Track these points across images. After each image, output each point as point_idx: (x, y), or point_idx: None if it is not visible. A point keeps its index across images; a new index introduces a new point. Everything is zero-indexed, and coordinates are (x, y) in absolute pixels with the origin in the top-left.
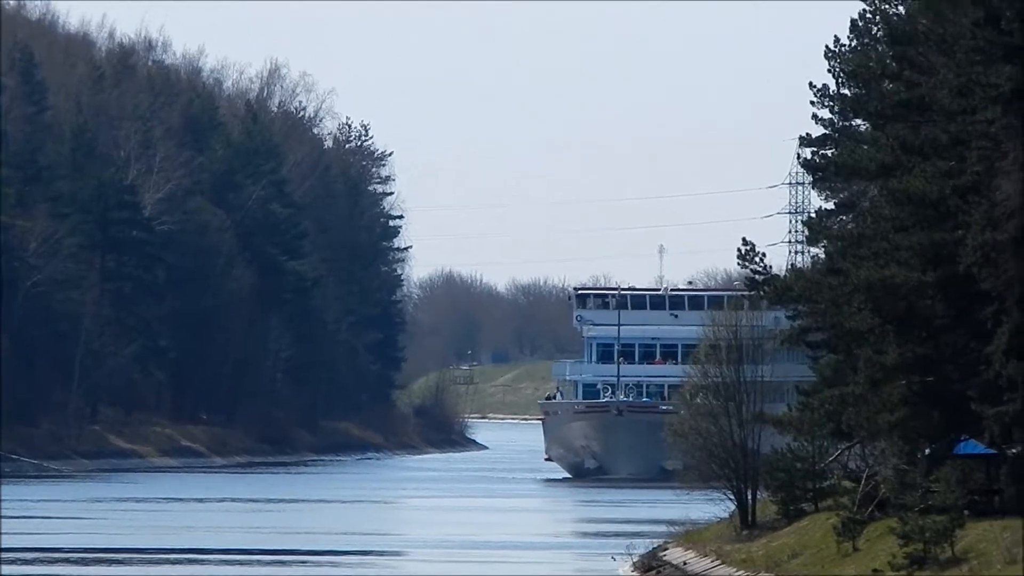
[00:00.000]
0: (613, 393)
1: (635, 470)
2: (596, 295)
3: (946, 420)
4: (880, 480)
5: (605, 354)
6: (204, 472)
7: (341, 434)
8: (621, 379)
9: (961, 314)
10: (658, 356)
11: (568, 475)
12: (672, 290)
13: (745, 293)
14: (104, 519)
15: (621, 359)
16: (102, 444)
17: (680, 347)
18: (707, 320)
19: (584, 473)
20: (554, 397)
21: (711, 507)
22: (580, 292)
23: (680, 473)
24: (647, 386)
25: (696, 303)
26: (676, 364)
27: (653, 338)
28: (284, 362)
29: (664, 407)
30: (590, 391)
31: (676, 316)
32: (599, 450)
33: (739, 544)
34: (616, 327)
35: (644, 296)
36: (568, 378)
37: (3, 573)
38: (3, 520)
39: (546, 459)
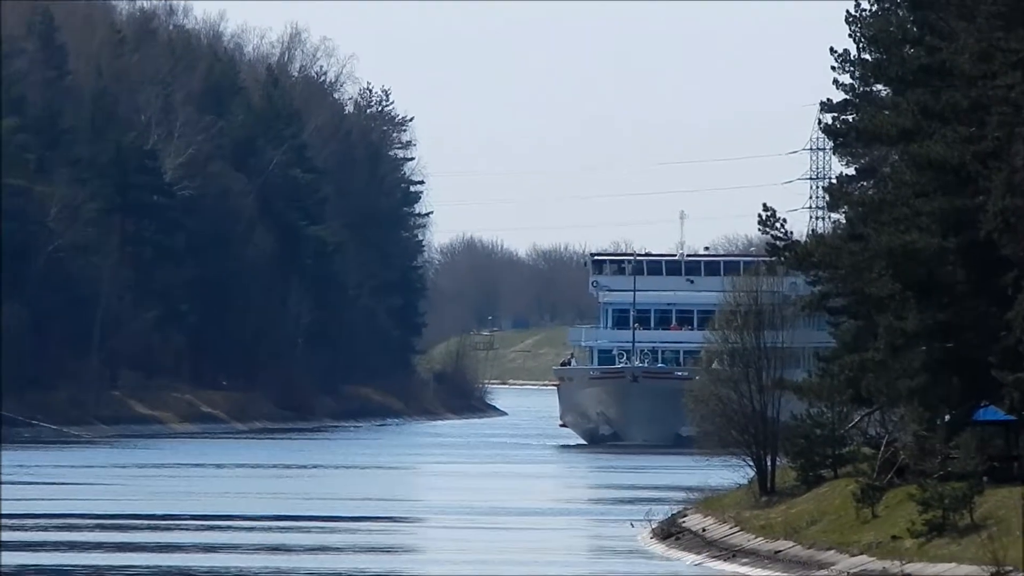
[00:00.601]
0: (628, 359)
1: (650, 437)
2: (612, 261)
3: (966, 386)
4: (899, 447)
5: (621, 320)
6: (224, 438)
7: (361, 400)
8: (636, 345)
9: (981, 280)
10: (674, 322)
11: (583, 441)
12: (688, 256)
13: (762, 258)
14: (123, 485)
15: (637, 325)
16: (122, 410)
17: (696, 313)
18: (725, 286)
19: (599, 440)
20: (569, 363)
21: (729, 473)
22: (596, 258)
23: (698, 439)
24: (663, 352)
25: (712, 269)
26: (692, 330)
27: (669, 304)
28: (304, 327)
29: (680, 373)
30: (605, 357)
31: (692, 282)
32: (614, 416)
33: (758, 511)
34: (632, 293)
35: (660, 262)
36: (584, 344)
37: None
38: (23, 486)
39: (560, 425)
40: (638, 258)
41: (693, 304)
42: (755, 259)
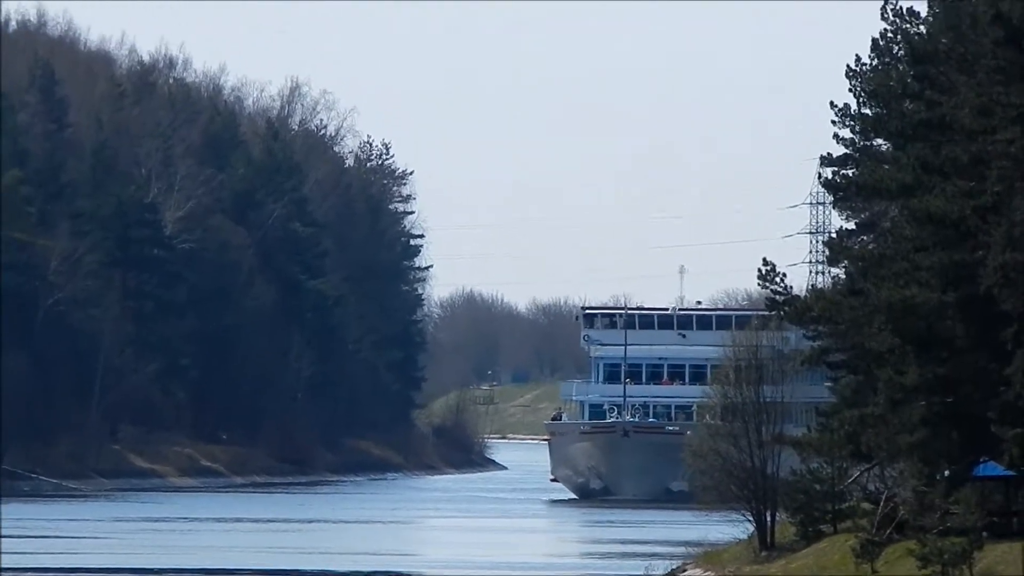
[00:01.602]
0: (619, 414)
1: (641, 491)
2: (604, 315)
3: (965, 442)
4: (899, 502)
5: (612, 374)
6: (224, 492)
7: (361, 453)
8: (628, 399)
9: (981, 335)
10: (665, 376)
11: (574, 496)
12: (680, 310)
13: (755, 312)
14: (119, 539)
15: (628, 379)
16: (122, 463)
17: (688, 368)
18: (717, 340)
19: (590, 494)
20: (559, 417)
21: (726, 528)
22: (588, 312)
23: (698, 493)
24: (654, 407)
25: (704, 323)
26: (684, 385)
27: (660, 358)
28: (304, 381)
29: (671, 428)
30: (596, 411)
31: (684, 336)
32: (605, 471)
33: (757, 565)
34: (623, 347)
35: (652, 316)
36: (575, 398)
37: None
38: (21, 540)
39: (552, 480)
40: (629, 312)
41: (685, 359)
42: (748, 313)
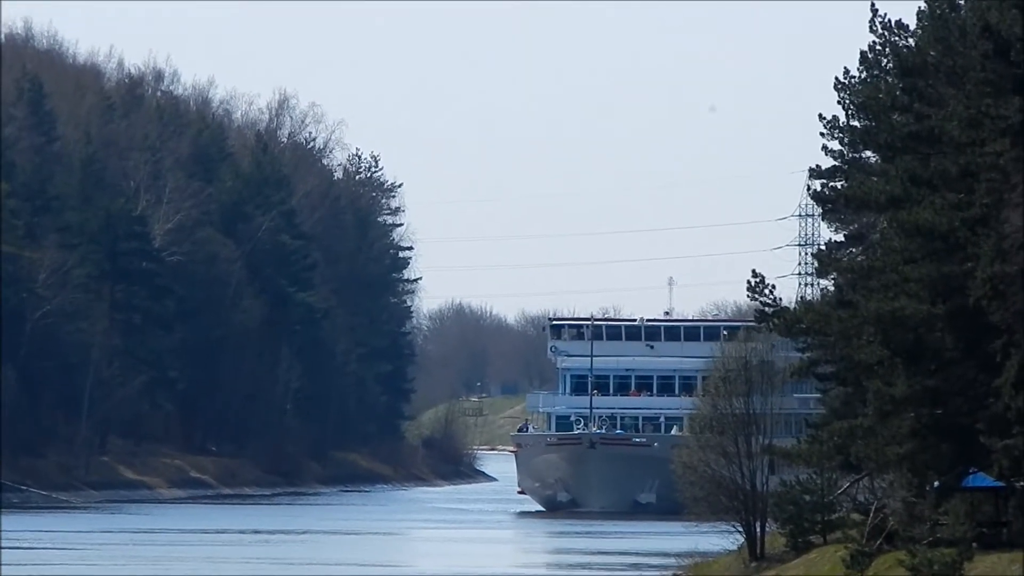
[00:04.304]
0: (586, 425)
1: (608, 503)
2: (571, 326)
3: (955, 453)
4: (889, 512)
5: (579, 385)
6: (212, 503)
7: (350, 466)
8: (594, 411)
9: (970, 346)
10: (633, 387)
11: (541, 508)
12: (648, 321)
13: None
14: (109, 551)
15: (595, 391)
16: (111, 475)
17: (656, 379)
18: (685, 352)
19: (557, 506)
20: (525, 429)
21: (697, 539)
22: (554, 322)
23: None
24: (621, 418)
25: (672, 334)
26: (652, 396)
27: (628, 369)
28: (293, 393)
29: (638, 439)
30: (563, 423)
31: (652, 347)
32: (571, 483)
33: None
34: (590, 358)
35: (619, 327)
36: (541, 410)
37: None
38: (9, 552)
39: (519, 492)
40: (596, 323)
41: (652, 370)
42: (717, 324)
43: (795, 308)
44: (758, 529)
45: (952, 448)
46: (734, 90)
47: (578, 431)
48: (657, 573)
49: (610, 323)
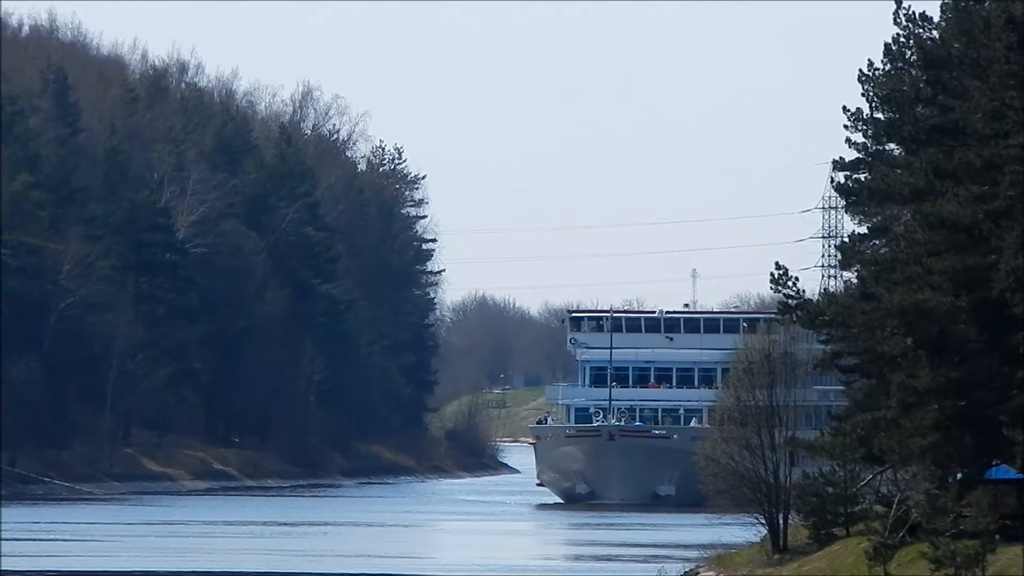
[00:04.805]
0: (605, 417)
1: (627, 496)
2: (590, 318)
3: (978, 445)
4: (912, 505)
5: (599, 378)
6: (236, 495)
7: (373, 458)
8: (614, 403)
9: (994, 339)
10: (652, 380)
11: (560, 500)
12: (667, 313)
13: (742, 315)
14: (132, 542)
15: (614, 383)
16: (134, 467)
17: (675, 371)
18: (704, 343)
19: (576, 498)
20: (545, 421)
21: (717, 531)
22: (574, 315)
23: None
24: (641, 410)
25: (692, 326)
26: (671, 388)
27: (647, 361)
28: (317, 385)
29: (657, 431)
30: (582, 415)
31: (671, 339)
32: (591, 475)
33: (770, 568)
34: (609, 350)
35: (639, 319)
36: (560, 402)
37: None
38: (29, 543)
39: (538, 484)
40: (616, 315)
41: (672, 362)
42: (736, 316)
43: (818, 300)
44: (781, 521)
45: (975, 440)
46: (758, 83)
47: (597, 423)
48: (680, 564)
49: (629, 315)
